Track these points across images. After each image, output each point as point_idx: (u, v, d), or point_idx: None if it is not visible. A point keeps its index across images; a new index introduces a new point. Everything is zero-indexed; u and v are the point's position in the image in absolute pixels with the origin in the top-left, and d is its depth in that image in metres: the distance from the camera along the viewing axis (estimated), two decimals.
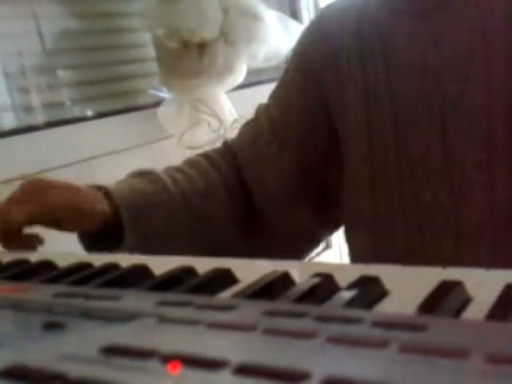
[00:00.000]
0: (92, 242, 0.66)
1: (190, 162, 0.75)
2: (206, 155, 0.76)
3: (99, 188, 0.65)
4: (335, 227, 0.79)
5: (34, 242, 0.61)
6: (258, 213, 0.74)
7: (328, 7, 0.76)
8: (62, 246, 0.55)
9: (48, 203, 0.60)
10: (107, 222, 0.63)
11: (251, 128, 0.77)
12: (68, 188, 0.62)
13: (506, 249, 0.58)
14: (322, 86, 0.70)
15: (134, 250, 0.66)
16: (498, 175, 0.58)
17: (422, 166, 0.62)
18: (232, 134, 0.79)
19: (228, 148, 0.77)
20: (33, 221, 0.59)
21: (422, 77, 0.61)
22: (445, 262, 0.59)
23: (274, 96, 0.78)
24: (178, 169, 0.72)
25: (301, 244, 0.78)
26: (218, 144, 0.81)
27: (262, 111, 0.77)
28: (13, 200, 0.60)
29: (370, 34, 0.66)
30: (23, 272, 0.47)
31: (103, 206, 0.63)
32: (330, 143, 0.71)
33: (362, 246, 0.70)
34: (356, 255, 0.73)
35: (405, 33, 0.63)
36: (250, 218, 0.74)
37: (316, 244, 0.80)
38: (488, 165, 0.58)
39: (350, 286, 0.34)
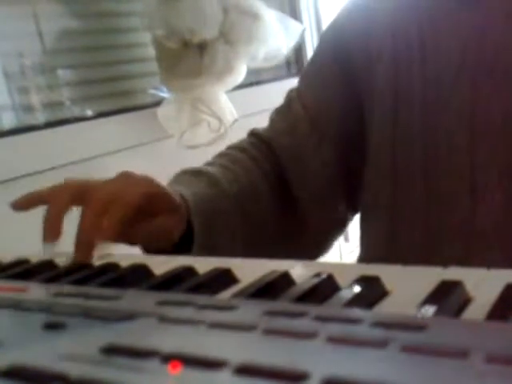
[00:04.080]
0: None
1: (232, 158, 0.72)
2: (243, 149, 0.73)
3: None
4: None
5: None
6: (294, 201, 0.72)
7: None
8: (62, 246, 0.55)
9: (160, 187, 0.57)
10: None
11: (285, 117, 0.74)
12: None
13: None
14: (353, 70, 0.68)
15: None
16: None
17: (447, 162, 0.60)
18: (232, 134, 0.78)
19: (262, 139, 0.74)
20: (149, 202, 0.54)
21: (458, 72, 0.59)
22: (456, 261, 0.58)
23: (306, 79, 0.75)
24: (225, 166, 0.70)
25: (332, 231, 0.77)
26: (218, 144, 0.80)
27: (295, 97, 0.74)
28: (122, 179, 0.56)
29: (407, 19, 0.64)
30: (23, 272, 0.47)
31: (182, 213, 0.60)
32: (362, 128, 0.69)
33: (377, 237, 0.68)
34: (369, 247, 0.71)
35: (446, 22, 0.61)
36: (287, 208, 0.72)
37: (343, 230, 0.78)
38: None
39: (350, 286, 0.34)
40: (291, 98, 0.75)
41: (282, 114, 0.75)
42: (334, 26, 0.74)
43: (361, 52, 0.67)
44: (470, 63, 0.59)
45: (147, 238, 0.58)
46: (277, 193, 0.71)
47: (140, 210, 0.54)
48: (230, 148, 0.74)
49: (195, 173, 0.68)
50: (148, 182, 0.57)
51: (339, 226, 0.77)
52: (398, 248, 0.64)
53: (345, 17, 0.72)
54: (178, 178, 0.68)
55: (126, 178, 0.57)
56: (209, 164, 0.71)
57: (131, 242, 0.58)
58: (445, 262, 0.60)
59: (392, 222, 0.65)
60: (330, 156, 0.71)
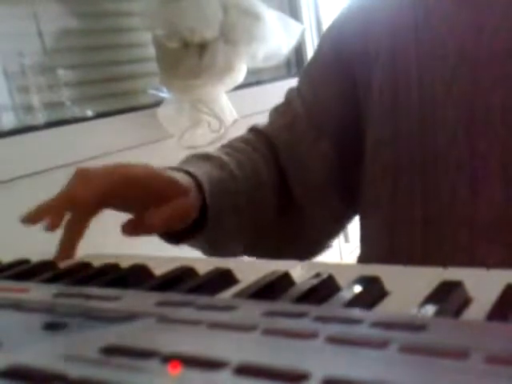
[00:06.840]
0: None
1: (235, 148, 0.72)
2: (245, 140, 0.74)
3: (185, 172, 0.62)
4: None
5: None
6: (292, 196, 0.73)
7: None
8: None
9: (130, 173, 0.56)
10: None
11: (285, 113, 0.75)
12: (152, 168, 0.59)
13: None
14: (353, 67, 0.69)
15: (204, 243, 0.64)
16: None
17: (446, 156, 0.60)
18: (232, 134, 0.77)
19: (262, 134, 0.75)
20: (107, 199, 0.54)
21: (455, 69, 0.60)
22: (460, 254, 0.58)
23: (306, 77, 0.76)
24: (229, 154, 0.70)
25: (328, 228, 0.77)
26: (218, 144, 0.80)
27: (295, 95, 0.75)
28: (79, 177, 0.55)
29: (405, 19, 0.64)
30: (23, 272, 0.47)
31: (195, 195, 0.59)
32: (360, 125, 0.70)
33: (378, 234, 0.68)
34: (370, 244, 0.71)
35: (442, 19, 0.61)
36: (286, 201, 0.73)
37: (342, 229, 0.79)
38: None
39: (350, 286, 0.34)
40: (291, 95, 0.76)
41: (281, 112, 0.76)
42: (335, 25, 0.75)
43: (360, 50, 0.68)
44: (467, 60, 0.59)
45: (170, 221, 0.57)
46: (277, 183, 0.72)
47: (150, 196, 0.55)
48: (232, 140, 0.75)
49: (203, 156, 0.68)
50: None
51: (336, 224, 0.78)
52: (399, 244, 0.64)
53: (345, 16, 0.74)
54: (186, 160, 0.68)
55: (94, 169, 0.58)
56: (213, 152, 0.71)
57: (156, 229, 0.58)
58: (447, 258, 0.61)
59: (392, 217, 0.65)
60: (328, 152, 0.71)
